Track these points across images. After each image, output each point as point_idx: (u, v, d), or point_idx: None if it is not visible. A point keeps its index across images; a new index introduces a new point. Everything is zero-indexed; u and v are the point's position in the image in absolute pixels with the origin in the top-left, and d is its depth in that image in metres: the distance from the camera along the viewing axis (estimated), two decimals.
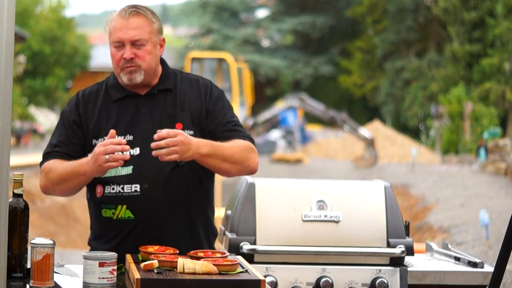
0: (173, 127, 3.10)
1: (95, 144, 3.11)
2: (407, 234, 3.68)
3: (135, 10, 3.14)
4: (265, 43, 48.05)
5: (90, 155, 3.04)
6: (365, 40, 44.00)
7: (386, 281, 3.54)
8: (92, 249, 3.23)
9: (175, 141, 2.94)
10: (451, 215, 13.51)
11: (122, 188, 3.10)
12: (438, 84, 35.88)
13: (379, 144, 29.43)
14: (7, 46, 2.38)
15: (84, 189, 3.25)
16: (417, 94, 37.84)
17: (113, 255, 2.63)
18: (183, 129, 3.13)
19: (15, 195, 2.75)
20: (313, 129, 38.62)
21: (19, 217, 2.73)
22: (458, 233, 11.74)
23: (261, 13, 49.99)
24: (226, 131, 3.17)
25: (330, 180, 3.92)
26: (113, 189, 3.12)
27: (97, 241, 3.22)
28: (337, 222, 3.61)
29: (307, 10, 46.31)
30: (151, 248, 2.85)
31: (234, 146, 3.11)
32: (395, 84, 40.43)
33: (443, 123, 31.03)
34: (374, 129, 31.32)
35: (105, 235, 3.18)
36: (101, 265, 2.58)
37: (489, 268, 3.63)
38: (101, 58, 48.84)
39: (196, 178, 3.17)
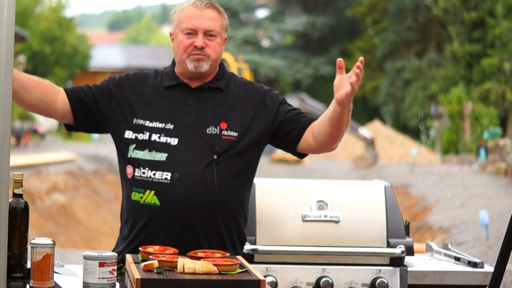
0: (217, 125, 3.12)
1: (136, 123, 3.15)
2: (407, 234, 3.68)
3: (210, 3, 3.18)
4: (265, 43, 48.07)
5: None
6: (365, 40, 44.03)
7: (386, 281, 3.54)
8: (121, 234, 3.23)
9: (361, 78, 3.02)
10: (451, 215, 13.52)
11: (154, 174, 3.10)
12: (438, 84, 35.91)
13: (379, 144, 29.44)
14: (7, 46, 2.38)
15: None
16: (417, 94, 37.86)
17: (113, 255, 2.63)
18: (227, 129, 3.14)
19: (15, 195, 2.75)
20: None
21: (19, 217, 2.73)
22: (458, 233, 11.75)
23: (261, 13, 50.07)
24: (296, 114, 3.21)
25: (330, 180, 3.92)
26: (143, 173, 3.12)
27: (126, 225, 3.21)
28: (337, 222, 3.61)
29: (307, 10, 46.32)
30: (151, 248, 2.85)
31: None
32: (395, 84, 40.45)
33: (443, 123, 31.06)
34: (374, 129, 31.33)
35: (130, 218, 3.17)
36: (101, 265, 2.58)
37: (489, 268, 3.63)
38: (101, 58, 48.91)
39: (229, 179, 3.15)
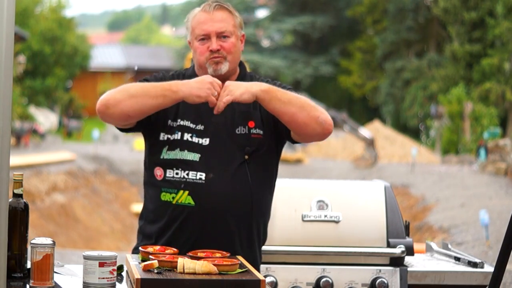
0: (246, 124, 3.15)
1: (170, 125, 3.13)
2: (407, 234, 3.68)
3: (219, 4, 3.18)
4: (265, 43, 48.07)
5: (196, 79, 3.03)
6: (365, 40, 44.01)
7: (386, 281, 3.54)
8: (143, 235, 3.20)
9: (221, 88, 3.01)
10: (451, 215, 13.52)
11: (187, 174, 3.10)
12: (438, 84, 35.89)
13: (379, 144, 29.44)
14: (7, 46, 2.38)
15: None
16: (417, 94, 37.84)
17: (113, 255, 2.63)
18: (255, 127, 3.16)
19: (15, 195, 2.75)
20: None
21: (19, 217, 2.73)
22: (458, 233, 11.75)
23: (261, 13, 50.05)
24: None
25: (330, 180, 3.92)
26: (176, 173, 3.11)
27: (153, 225, 3.18)
28: (337, 222, 3.62)
29: (307, 10, 46.32)
30: (151, 248, 2.85)
31: (296, 94, 3.12)
32: (395, 84, 40.44)
33: (443, 123, 31.06)
34: (374, 129, 31.32)
35: (160, 219, 3.15)
36: (101, 265, 2.58)
37: (489, 268, 3.64)
38: (101, 58, 48.92)
39: (261, 178, 3.17)
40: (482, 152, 23.77)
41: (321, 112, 3.07)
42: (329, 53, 45.75)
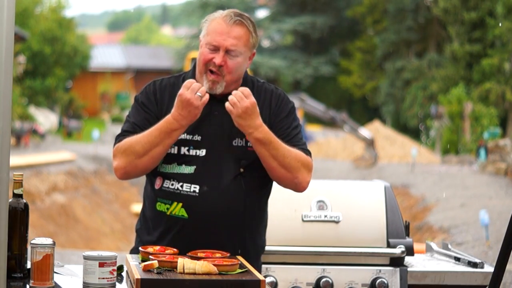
0: (243, 137, 3.10)
1: None
2: (407, 234, 3.68)
3: (240, 20, 3.11)
4: (265, 43, 48.04)
5: (173, 110, 3.01)
6: (365, 40, 44.01)
7: (386, 281, 3.54)
8: (140, 238, 3.21)
9: (240, 96, 2.99)
10: (451, 215, 13.52)
11: (181, 186, 3.09)
12: (438, 84, 35.88)
13: (379, 144, 29.42)
14: (7, 46, 2.38)
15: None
16: (417, 94, 37.83)
17: (113, 255, 2.63)
18: None
19: (15, 195, 2.75)
20: (313, 129, 38.61)
21: (19, 217, 2.73)
22: (458, 233, 11.75)
23: (261, 13, 50.02)
24: (286, 141, 3.11)
25: (330, 180, 3.92)
26: (172, 184, 3.10)
27: (146, 231, 3.19)
28: (337, 222, 3.62)
29: (307, 10, 46.32)
30: (151, 248, 2.85)
31: (292, 150, 3.06)
32: (395, 84, 40.43)
33: (443, 123, 31.04)
34: (374, 129, 31.30)
35: (155, 228, 3.16)
36: (101, 265, 2.58)
37: (489, 268, 3.64)
38: (101, 58, 48.89)
39: (256, 191, 3.15)
40: (482, 152, 23.76)
41: (302, 175, 3.08)
42: (329, 53, 45.74)
